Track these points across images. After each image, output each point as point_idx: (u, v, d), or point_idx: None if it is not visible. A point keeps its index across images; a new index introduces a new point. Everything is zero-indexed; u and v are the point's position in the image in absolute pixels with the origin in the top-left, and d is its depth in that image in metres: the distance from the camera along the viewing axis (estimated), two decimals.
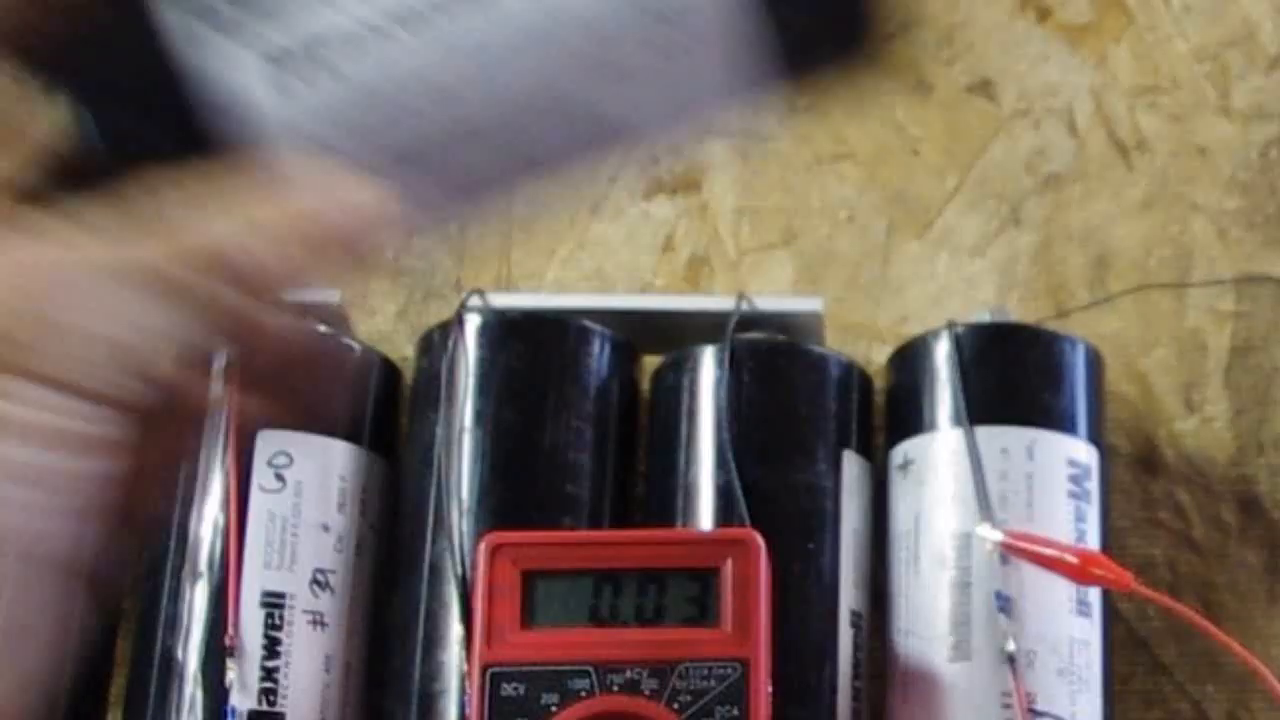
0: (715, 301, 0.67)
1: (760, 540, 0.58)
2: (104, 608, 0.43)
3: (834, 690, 0.62)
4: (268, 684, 0.60)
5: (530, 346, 0.64)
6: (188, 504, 0.62)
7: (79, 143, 0.43)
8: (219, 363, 0.41)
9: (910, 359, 0.66)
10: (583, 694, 0.57)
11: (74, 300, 0.39)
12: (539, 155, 0.45)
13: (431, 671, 0.61)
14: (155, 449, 0.42)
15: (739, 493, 0.62)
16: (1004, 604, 0.60)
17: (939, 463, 0.63)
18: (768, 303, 0.66)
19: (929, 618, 0.62)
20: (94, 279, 0.39)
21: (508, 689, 0.57)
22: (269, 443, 0.62)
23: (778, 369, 0.64)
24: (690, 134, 0.48)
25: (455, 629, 0.61)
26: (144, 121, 0.44)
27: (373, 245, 0.42)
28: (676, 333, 0.66)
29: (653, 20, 0.44)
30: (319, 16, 0.43)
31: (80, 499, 0.39)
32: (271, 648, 0.60)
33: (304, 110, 0.44)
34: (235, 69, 0.43)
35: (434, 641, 0.62)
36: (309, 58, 0.44)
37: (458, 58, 0.44)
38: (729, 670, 0.57)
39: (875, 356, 0.68)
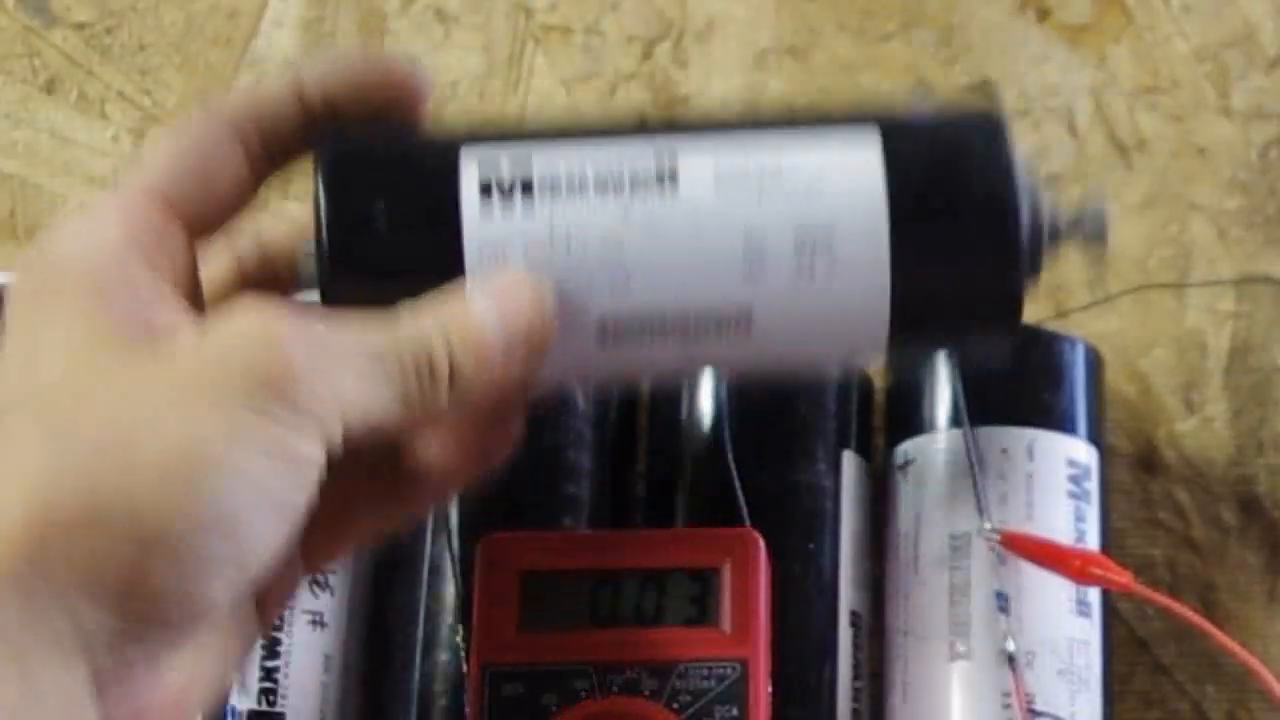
0: None
1: (760, 540, 0.58)
2: None
3: (834, 690, 0.62)
4: (267, 684, 0.60)
5: None
6: None
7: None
8: None
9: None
10: (582, 694, 0.57)
11: (320, 364, 0.45)
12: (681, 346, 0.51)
13: (431, 671, 0.61)
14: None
15: (739, 493, 0.62)
16: (1003, 604, 0.60)
17: (939, 463, 0.63)
18: None
19: (929, 618, 0.62)
20: (336, 350, 0.46)
21: (507, 689, 0.57)
22: None
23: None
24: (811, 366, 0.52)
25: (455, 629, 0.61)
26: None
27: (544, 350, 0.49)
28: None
29: (803, 242, 0.50)
30: (555, 161, 0.50)
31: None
32: (271, 648, 0.60)
33: (509, 234, 0.50)
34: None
35: (433, 641, 0.62)
36: (524, 190, 0.50)
37: (637, 239, 0.50)
38: (729, 670, 0.57)
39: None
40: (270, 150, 0.51)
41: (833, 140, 0.52)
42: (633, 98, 0.72)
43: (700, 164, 0.51)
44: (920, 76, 0.73)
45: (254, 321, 0.46)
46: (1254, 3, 0.72)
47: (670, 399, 0.65)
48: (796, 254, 0.50)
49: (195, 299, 0.50)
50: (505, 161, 0.51)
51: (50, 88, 0.73)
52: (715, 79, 0.73)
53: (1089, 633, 0.61)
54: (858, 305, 0.51)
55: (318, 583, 0.62)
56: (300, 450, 0.45)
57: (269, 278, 0.54)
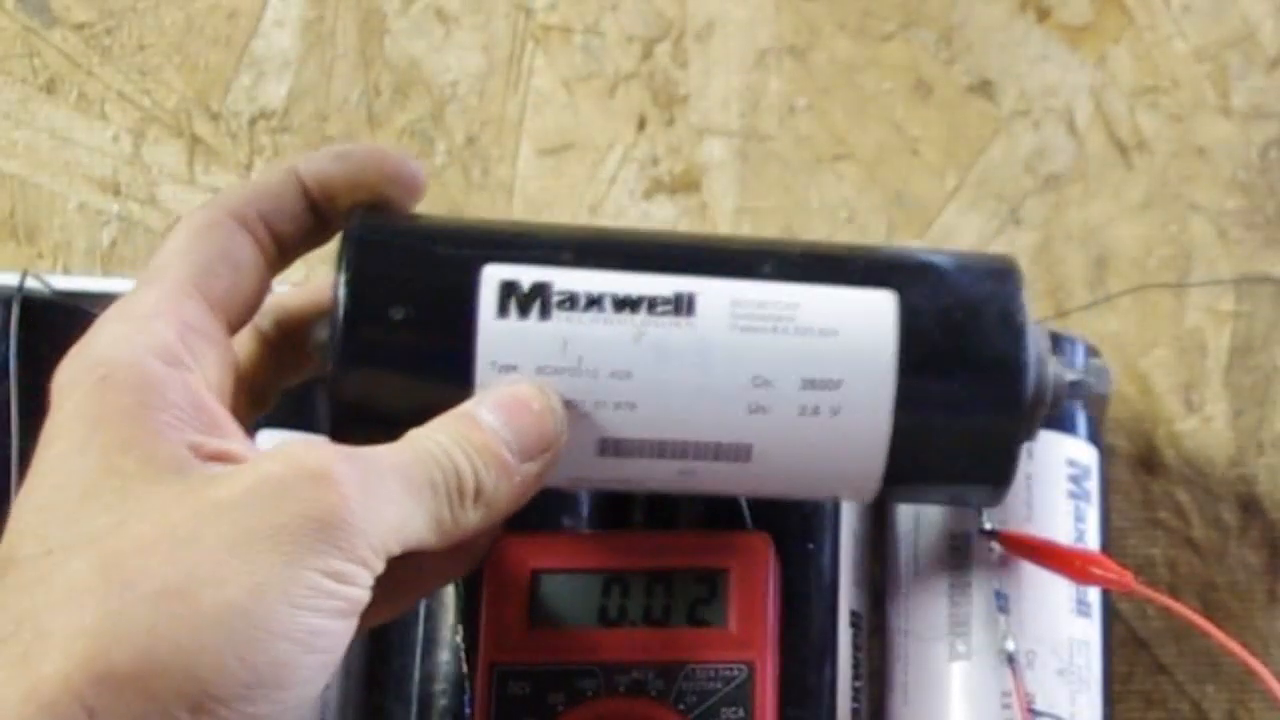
0: None
1: (769, 542, 0.58)
2: None
3: (834, 690, 0.62)
4: None
5: None
6: None
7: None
8: None
9: None
10: (589, 694, 0.57)
11: (368, 498, 0.46)
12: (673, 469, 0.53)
13: (431, 672, 0.61)
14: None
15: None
16: (1003, 604, 0.60)
17: None
18: None
19: (929, 618, 0.62)
20: (378, 480, 0.47)
21: (514, 688, 0.57)
22: (268, 443, 0.62)
23: None
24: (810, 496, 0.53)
25: (455, 629, 0.61)
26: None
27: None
28: None
29: (807, 383, 0.51)
30: (575, 277, 0.52)
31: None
32: None
33: (522, 343, 0.51)
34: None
35: (434, 641, 0.62)
36: (542, 301, 0.51)
37: (648, 364, 0.51)
38: (735, 672, 0.57)
39: None
40: (280, 241, 0.52)
41: (849, 285, 0.52)
42: (633, 98, 0.72)
43: (718, 294, 0.52)
44: (920, 76, 0.73)
45: (308, 458, 0.46)
46: (1254, 3, 0.72)
47: None
48: (801, 394, 0.51)
49: (240, 392, 0.51)
50: (526, 273, 0.51)
51: (50, 88, 0.73)
52: (715, 79, 0.73)
53: (1089, 633, 0.61)
54: (856, 450, 0.52)
55: None
56: (353, 595, 0.46)
57: (292, 348, 0.54)
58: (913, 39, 0.73)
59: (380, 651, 0.64)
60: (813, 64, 0.73)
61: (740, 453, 0.52)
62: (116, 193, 0.54)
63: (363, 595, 0.46)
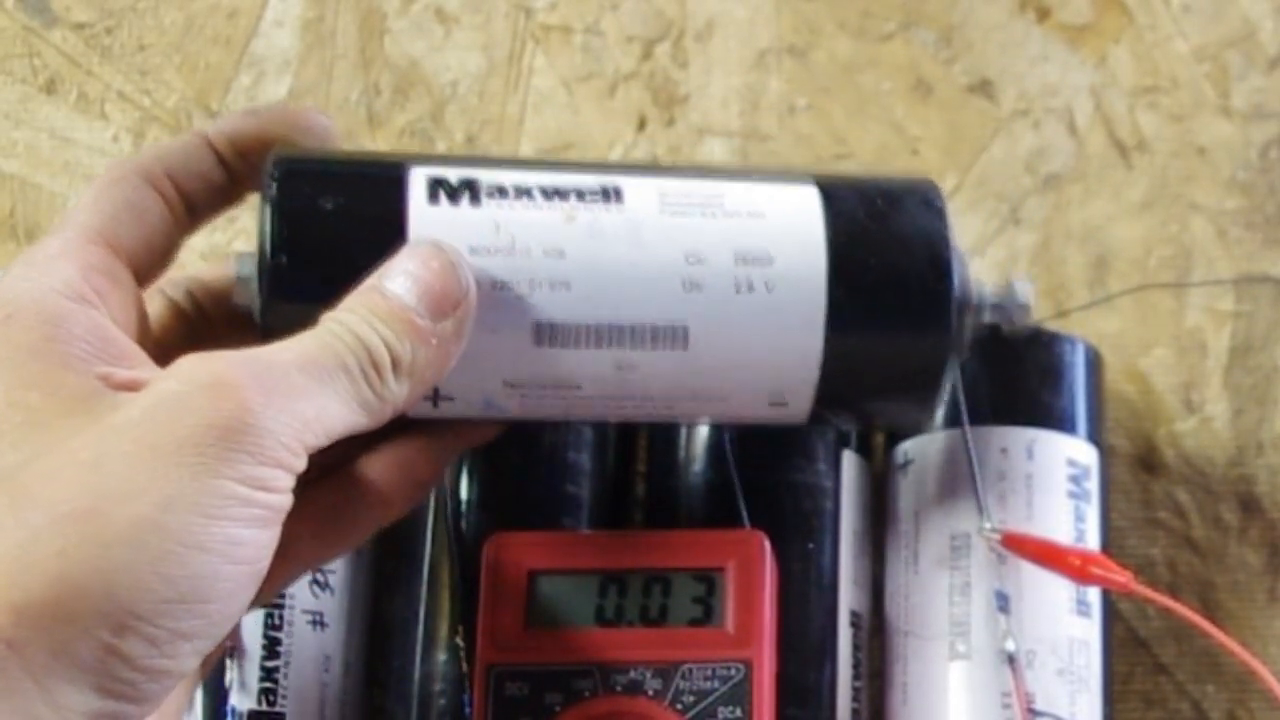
0: None
1: (766, 541, 0.59)
2: None
3: (834, 690, 0.62)
4: (267, 684, 0.60)
5: None
6: None
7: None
8: None
9: None
10: (586, 694, 0.57)
11: (273, 398, 0.45)
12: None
13: (431, 671, 0.61)
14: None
15: (739, 493, 0.62)
16: (1003, 604, 0.60)
17: (939, 463, 0.63)
18: None
19: (929, 618, 0.62)
20: (283, 378, 0.46)
21: (511, 689, 0.57)
22: None
23: None
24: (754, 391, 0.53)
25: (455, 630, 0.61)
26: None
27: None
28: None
29: (739, 258, 0.51)
30: (502, 174, 0.52)
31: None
32: (271, 648, 0.60)
33: (452, 228, 0.51)
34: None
35: (434, 641, 0.62)
36: (471, 191, 0.51)
37: (580, 241, 0.51)
38: (733, 671, 0.57)
39: None
40: (188, 199, 0.52)
41: (773, 181, 0.53)
42: (633, 98, 0.72)
43: (645, 186, 0.52)
44: (920, 76, 0.73)
45: (201, 370, 0.46)
46: (1254, 3, 0.72)
47: None
48: (735, 269, 0.51)
49: (146, 343, 0.50)
50: (453, 170, 0.51)
51: (50, 88, 0.73)
52: (715, 79, 0.73)
53: (1089, 633, 0.61)
54: (792, 334, 0.52)
55: (318, 583, 0.62)
56: (271, 501, 0.45)
57: (206, 321, 0.54)
58: (913, 39, 0.73)
59: (380, 651, 0.64)
60: (813, 64, 0.73)
61: (677, 337, 0.52)
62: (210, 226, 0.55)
63: (282, 501, 0.46)
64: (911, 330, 0.54)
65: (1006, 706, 0.60)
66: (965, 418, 0.62)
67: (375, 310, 0.49)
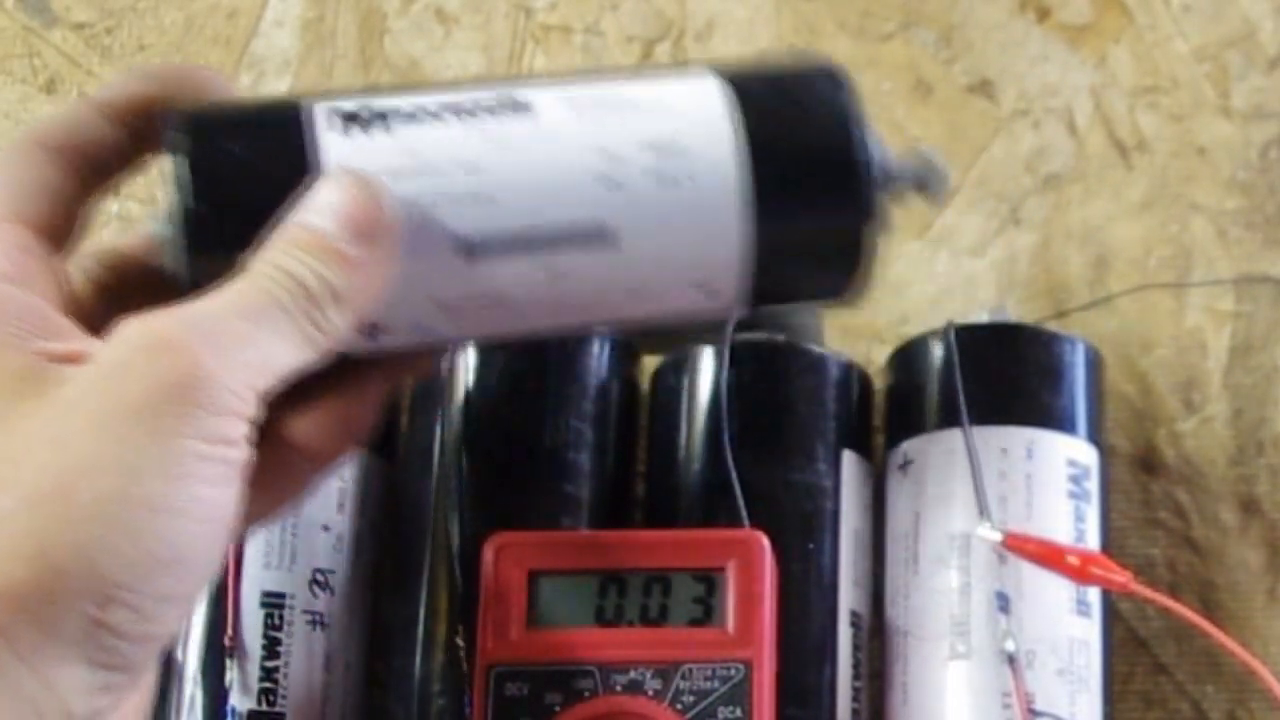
0: None
1: (765, 541, 0.58)
2: None
3: (834, 690, 0.62)
4: (267, 684, 0.60)
5: (530, 346, 0.64)
6: None
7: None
8: None
9: (910, 359, 0.66)
10: (586, 694, 0.57)
11: (219, 347, 0.45)
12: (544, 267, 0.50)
13: (431, 671, 0.61)
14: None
15: (738, 493, 0.62)
16: (1003, 604, 0.60)
17: (939, 463, 0.63)
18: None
19: (929, 618, 0.62)
20: (225, 326, 0.46)
21: (511, 689, 0.57)
22: None
23: (777, 369, 0.64)
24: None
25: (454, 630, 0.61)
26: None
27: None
28: (676, 333, 0.66)
29: (657, 150, 0.51)
30: (406, 99, 0.51)
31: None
32: (271, 648, 0.60)
33: (365, 158, 0.50)
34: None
35: (434, 642, 0.62)
36: (379, 119, 0.51)
37: (494, 153, 0.51)
38: (732, 671, 0.57)
39: (875, 356, 0.68)
40: (91, 162, 0.52)
41: (677, 75, 0.53)
42: None
43: (551, 94, 0.52)
44: (920, 76, 0.73)
45: (142, 332, 0.45)
46: (1254, 3, 0.72)
47: (670, 398, 0.65)
48: (653, 163, 0.51)
49: (74, 315, 0.50)
50: (356, 102, 0.51)
51: (50, 88, 0.73)
52: None
53: (1089, 633, 0.61)
54: (714, 214, 0.52)
55: (317, 583, 0.62)
56: (230, 455, 0.45)
57: (126, 289, 0.53)
58: (913, 39, 0.73)
59: (380, 651, 0.64)
60: None
61: (606, 238, 0.52)
62: (116, 193, 0.54)
63: (240, 455, 0.45)
64: (828, 203, 0.53)
65: (1006, 706, 0.60)
66: (965, 418, 0.62)
67: (301, 244, 0.48)
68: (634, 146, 0.52)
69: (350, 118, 0.51)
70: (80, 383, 0.45)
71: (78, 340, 0.48)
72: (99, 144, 0.52)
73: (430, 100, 0.52)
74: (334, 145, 0.50)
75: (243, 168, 0.50)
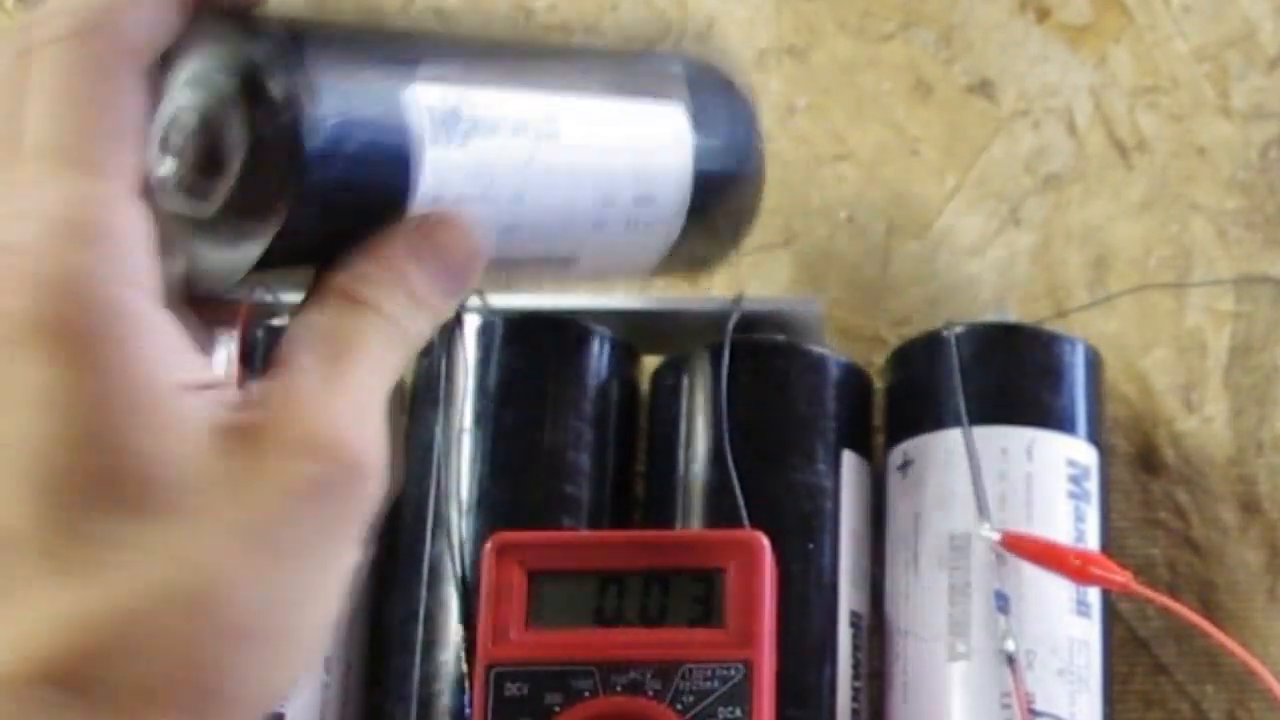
0: (715, 302, 0.67)
1: (765, 541, 0.58)
2: None
3: (833, 690, 0.62)
4: None
5: (530, 347, 0.64)
6: None
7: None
8: None
9: (910, 359, 0.66)
10: (586, 694, 0.57)
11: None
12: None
13: (431, 672, 0.61)
14: None
15: (738, 493, 0.62)
16: (1003, 604, 0.60)
17: (939, 463, 0.63)
18: (767, 303, 0.66)
19: (928, 618, 0.62)
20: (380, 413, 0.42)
21: (511, 689, 0.57)
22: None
23: (777, 369, 0.64)
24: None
25: (455, 629, 0.61)
26: None
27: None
28: (676, 333, 0.66)
29: (634, 200, 0.51)
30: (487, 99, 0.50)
31: None
32: None
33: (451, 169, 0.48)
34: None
35: (433, 642, 0.62)
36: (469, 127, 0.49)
37: (532, 186, 0.50)
38: (732, 671, 0.57)
39: (875, 357, 0.68)
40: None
41: (654, 98, 0.53)
42: None
43: (570, 107, 0.51)
44: (920, 76, 0.73)
45: (327, 440, 0.40)
46: (1254, 3, 0.72)
47: (670, 399, 0.65)
48: (631, 210, 0.52)
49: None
50: (452, 89, 0.49)
51: None
52: None
53: (1089, 633, 0.61)
54: (655, 239, 0.52)
55: None
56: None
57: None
58: (913, 39, 0.73)
59: (380, 651, 0.64)
60: (813, 64, 0.73)
61: (566, 262, 0.52)
62: None
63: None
64: (735, 203, 0.54)
65: (1006, 706, 0.60)
66: (965, 418, 0.62)
67: (418, 299, 0.44)
68: (626, 196, 0.52)
69: (446, 122, 0.50)
70: (270, 495, 0.39)
71: (199, 362, 0.40)
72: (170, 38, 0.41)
73: (498, 99, 0.50)
74: (429, 164, 0.49)
75: (349, 188, 0.46)
